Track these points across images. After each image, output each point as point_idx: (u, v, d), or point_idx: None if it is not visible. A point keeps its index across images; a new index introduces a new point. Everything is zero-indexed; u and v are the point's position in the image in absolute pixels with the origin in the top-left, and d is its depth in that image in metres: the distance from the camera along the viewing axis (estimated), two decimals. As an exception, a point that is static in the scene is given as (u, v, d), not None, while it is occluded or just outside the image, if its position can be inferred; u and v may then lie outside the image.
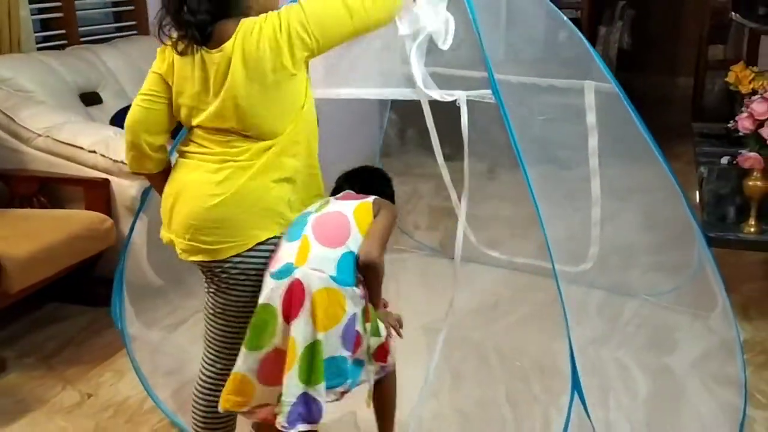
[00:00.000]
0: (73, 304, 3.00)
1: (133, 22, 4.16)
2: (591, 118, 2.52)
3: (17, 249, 2.44)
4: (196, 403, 1.84)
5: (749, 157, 2.45)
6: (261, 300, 1.63)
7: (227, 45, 1.62)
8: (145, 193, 2.30)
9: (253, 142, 1.66)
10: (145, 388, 2.34)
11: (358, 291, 1.64)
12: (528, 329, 2.83)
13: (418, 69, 1.85)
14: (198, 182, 1.68)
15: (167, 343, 2.67)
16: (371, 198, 1.77)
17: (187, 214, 1.68)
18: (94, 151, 2.86)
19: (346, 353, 1.62)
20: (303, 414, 1.59)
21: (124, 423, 2.29)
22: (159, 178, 1.83)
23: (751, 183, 2.54)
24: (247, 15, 1.67)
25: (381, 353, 1.77)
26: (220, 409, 1.70)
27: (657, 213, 2.84)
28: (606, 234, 2.97)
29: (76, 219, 2.74)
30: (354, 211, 1.71)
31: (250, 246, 1.67)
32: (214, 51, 1.63)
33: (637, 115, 2.23)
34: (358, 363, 1.69)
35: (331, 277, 1.60)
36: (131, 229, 2.35)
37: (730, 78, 3.32)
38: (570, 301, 3.07)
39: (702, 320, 2.76)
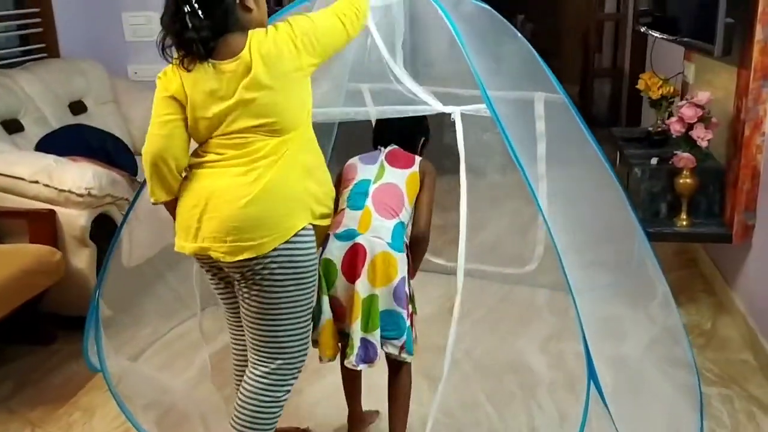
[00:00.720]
0: (18, 344, 2.84)
1: (42, 45, 3.98)
2: (540, 126, 2.67)
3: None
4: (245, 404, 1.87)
5: (683, 157, 2.68)
6: (324, 255, 1.90)
7: (243, 53, 1.69)
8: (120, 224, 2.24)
9: (272, 137, 1.73)
10: (133, 423, 2.26)
11: (406, 257, 1.93)
12: (489, 330, 2.95)
13: (413, 86, 1.95)
14: (229, 187, 1.73)
15: (132, 373, 2.58)
16: (417, 164, 2.04)
17: (225, 218, 1.72)
18: (37, 181, 2.72)
19: (401, 310, 1.91)
20: (362, 356, 1.89)
21: (108, 459, 2.21)
22: (174, 199, 1.83)
23: (681, 181, 2.78)
24: (246, 29, 1.73)
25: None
26: (325, 359, 1.95)
27: (596, 213, 3.04)
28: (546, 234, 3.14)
29: (24, 253, 2.60)
30: (405, 182, 2.00)
31: (289, 236, 1.74)
32: (227, 61, 1.69)
33: (583, 122, 2.39)
34: (410, 325, 1.96)
35: (388, 243, 1.88)
36: (107, 258, 2.27)
37: (641, 85, 3.60)
38: (519, 300, 3.26)
39: (643, 310, 2.99)
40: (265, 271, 1.75)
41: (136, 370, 2.59)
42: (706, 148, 2.71)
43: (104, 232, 2.85)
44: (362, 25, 1.91)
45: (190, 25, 1.66)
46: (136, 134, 3.96)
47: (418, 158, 2.08)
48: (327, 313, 1.92)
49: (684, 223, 2.83)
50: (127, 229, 2.94)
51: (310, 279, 1.83)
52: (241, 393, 1.88)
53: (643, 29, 3.55)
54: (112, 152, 3.50)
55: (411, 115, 2.00)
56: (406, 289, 1.93)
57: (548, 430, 2.33)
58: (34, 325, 2.84)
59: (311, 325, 1.90)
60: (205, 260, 1.86)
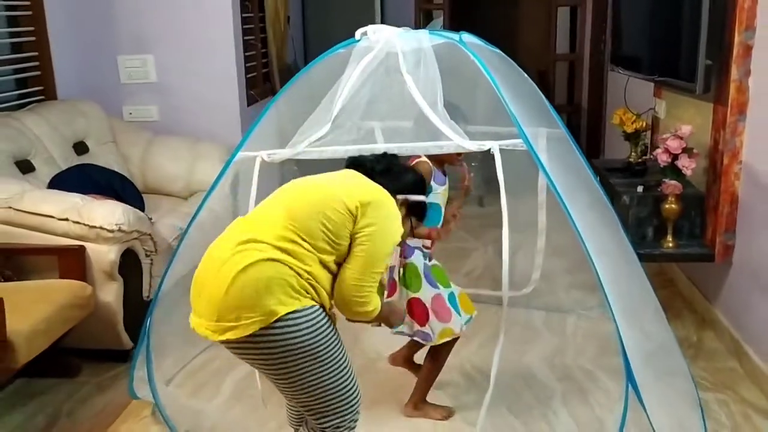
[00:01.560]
0: (44, 377, 2.89)
1: (40, 87, 4.06)
2: (543, 157, 2.89)
3: (19, 323, 2.37)
4: None
5: (670, 185, 2.94)
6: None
7: None
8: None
9: None
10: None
11: None
12: (493, 349, 3.13)
13: (444, 126, 2.14)
14: None
15: (170, 399, 2.66)
16: None
17: None
18: (66, 219, 2.82)
19: None
20: None
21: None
22: None
23: (667, 206, 3.04)
24: None
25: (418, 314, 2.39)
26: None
27: (592, 236, 3.27)
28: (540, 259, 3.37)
29: (60, 288, 2.68)
30: None
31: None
32: None
33: (582, 154, 2.62)
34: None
35: None
36: (158, 289, 2.38)
37: (615, 120, 3.88)
38: (518, 320, 3.45)
39: (638, 326, 3.22)
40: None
41: (172, 395, 2.68)
42: (688, 177, 2.98)
43: (129, 266, 2.95)
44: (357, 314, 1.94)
45: None
46: (135, 172, 4.06)
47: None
48: None
49: (670, 244, 3.08)
50: (146, 264, 3.06)
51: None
52: None
53: (619, 70, 3.85)
54: (119, 190, 3.60)
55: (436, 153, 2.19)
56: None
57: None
58: (59, 358, 2.89)
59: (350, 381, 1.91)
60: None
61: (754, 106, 2.79)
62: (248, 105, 4.62)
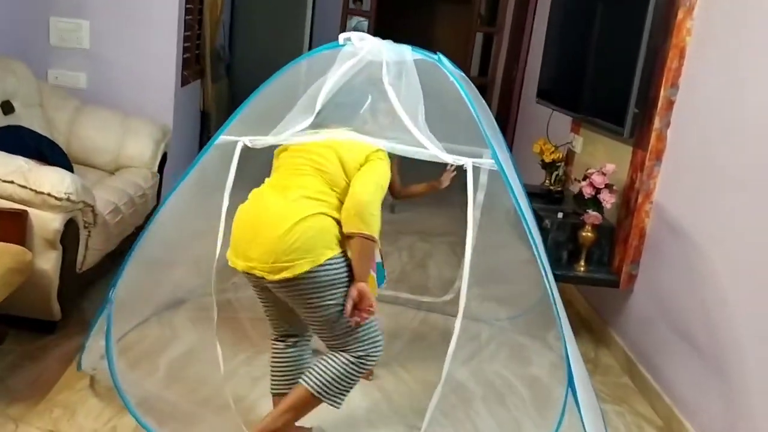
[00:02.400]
0: (-34, 342, 2.79)
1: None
2: (480, 196, 3.08)
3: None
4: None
5: (592, 215, 3.24)
6: None
7: None
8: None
9: None
10: (135, 416, 2.37)
11: None
12: (418, 350, 3.32)
13: (424, 138, 2.29)
14: None
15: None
16: None
17: None
18: (12, 182, 2.74)
19: None
20: None
21: (109, 455, 2.30)
22: None
23: (584, 234, 3.34)
24: None
25: None
26: None
27: (508, 256, 3.53)
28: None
29: (3, 252, 2.60)
30: None
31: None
32: None
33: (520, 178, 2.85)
34: None
35: None
36: (125, 261, 2.38)
37: (536, 149, 4.21)
38: (437, 326, 3.66)
39: (540, 340, 3.52)
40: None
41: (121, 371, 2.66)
42: (607, 210, 3.31)
43: (68, 237, 2.90)
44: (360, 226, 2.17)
45: None
46: (60, 140, 3.93)
47: None
48: None
49: (582, 269, 3.40)
50: (84, 236, 3.02)
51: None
52: (324, 361, 2.26)
53: (545, 104, 4.16)
54: (49, 156, 3.50)
55: (426, 159, 2.34)
56: None
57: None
58: (-17, 324, 2.80)
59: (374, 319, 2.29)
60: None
61: (670, 154, 3.14)
62: (182, 85, 4.58)
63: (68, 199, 2.76)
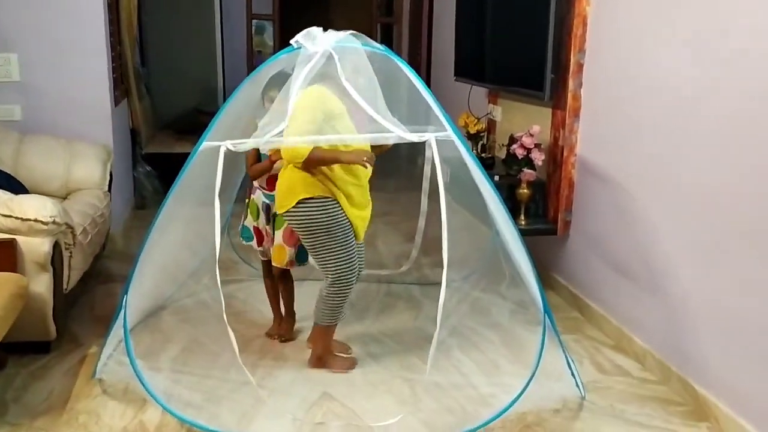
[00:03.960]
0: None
1: None
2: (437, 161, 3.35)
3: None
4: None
5: (527, 173, 3.60)
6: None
7: None
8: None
9: None
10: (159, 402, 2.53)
11: None
12: (391, 317, 3.60)
13: (388, 123, 2.55)
14: None
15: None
16: None
17: None
18: (-5, 213, 2.82)
19: None
20: None
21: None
22: None
23: (521, 191, 3.70)
24: None
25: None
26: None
27: (465, 220, 3.85)
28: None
29: (4, 282, 2.69)
30: None
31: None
32: None
33: (469, 151, 3.15)
34: None
35: None
36: (133, 269, 2.53)
37: (461, 122, 4.54)
38: (401, 295, 3.94)
39: (494, 292, 3.85)
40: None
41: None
42: (538, 167, 3.67)
43: (56, 258, 3.00)
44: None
45: None
46: (8, 171, 3.95)
47: None
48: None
49: (523, 223, 3.75)
50: (66, 257, 3.13)
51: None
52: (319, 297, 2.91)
53: (463, 80, 4.50)
54: (5, 186, 3.54)
55: (393, 143, 2.60)
56: None
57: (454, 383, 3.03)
58: (-15, 352, 2.87)
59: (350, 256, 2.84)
60: None
61: (585, 111, 3.54)
62: (115, 105, 4.65)
63: (54, 222, 2.87)
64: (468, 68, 4.58)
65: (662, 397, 2.85)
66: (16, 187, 3.61)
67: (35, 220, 2.83)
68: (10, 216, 2.82)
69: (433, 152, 2.53)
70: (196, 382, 2.84)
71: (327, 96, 2.68)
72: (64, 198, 4.00)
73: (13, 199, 2.88)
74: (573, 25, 3.47)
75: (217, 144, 2.56)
